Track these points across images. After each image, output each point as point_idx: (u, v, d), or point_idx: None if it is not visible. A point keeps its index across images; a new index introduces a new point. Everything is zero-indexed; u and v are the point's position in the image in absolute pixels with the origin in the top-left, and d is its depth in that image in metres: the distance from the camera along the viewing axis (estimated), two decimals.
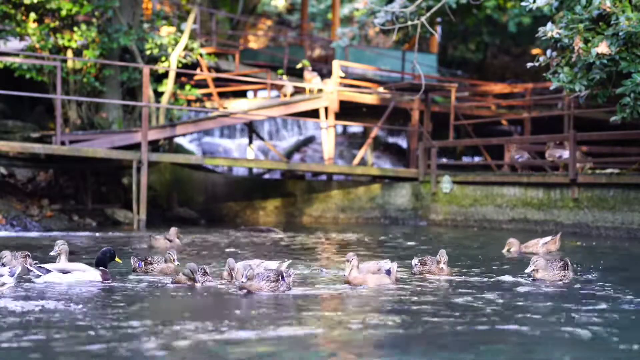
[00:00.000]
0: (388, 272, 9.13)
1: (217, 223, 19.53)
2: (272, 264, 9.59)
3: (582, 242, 14.75)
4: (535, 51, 31.34)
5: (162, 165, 20.89)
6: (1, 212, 16.79)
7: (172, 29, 22.16)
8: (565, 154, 17.10)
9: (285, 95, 21.51)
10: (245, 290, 8.41)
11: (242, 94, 25.93)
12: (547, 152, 17.63)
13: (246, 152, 23.78)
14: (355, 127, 28.08)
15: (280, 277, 8.45)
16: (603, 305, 7.77)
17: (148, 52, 20.39)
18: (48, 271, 8.99)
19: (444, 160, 21.22)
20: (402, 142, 27.58)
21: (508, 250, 12.65)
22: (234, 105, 22.34)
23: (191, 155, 21.52)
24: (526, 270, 9.50)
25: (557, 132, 20.70)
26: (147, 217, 17.46)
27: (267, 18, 40.44)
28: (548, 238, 12.99)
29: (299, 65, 22.82)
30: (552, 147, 17.53)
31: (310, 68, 22.29)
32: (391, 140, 28.52)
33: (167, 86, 20.67)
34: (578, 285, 9.21)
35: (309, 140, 27.17)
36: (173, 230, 13.60)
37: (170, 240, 13.35)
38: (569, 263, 9.68)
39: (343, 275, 9.12)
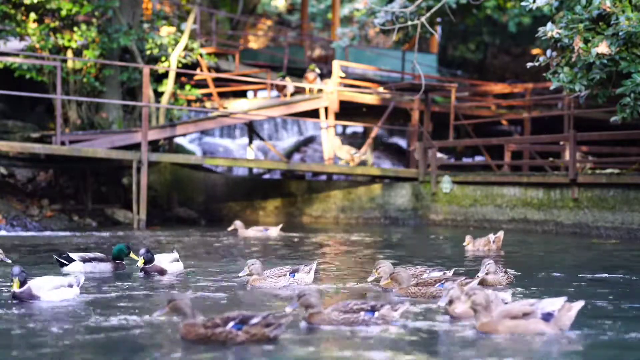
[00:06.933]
0: (548, 315, 6.31)
1: (217, 223, 19.51)
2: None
3: (619, 240, 14.49)
4: (535, 51, 31.33)
5: (162, 165, 20.89)
6: (1, 212, 16.79)
7: (172, 29, 22.15)
8: (445, 157, 19.66)
9: (285, 95, 21.50)
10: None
11: (242, 94, 25.92)
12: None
13: (246, 152, 23.77)
14: (355, 127, 28.07)
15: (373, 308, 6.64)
16: None
17: (148, 52, 20.38)
18: None
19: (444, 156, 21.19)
20: (402, 142, 27.57)
21: (468, 245, 12.44)
22: (234, 105, 22.33)
23: (191, 155, 21.52)
24: (439, 303, 7.00)
25: (557, 132, 20.68)
26: (147, 217, 17.48)
27: (267, 18, 40.41)
28: (492, 236, 12.58)
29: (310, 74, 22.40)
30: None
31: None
32: (391, 140, 28.51)
33: (167, 86, 20.66)
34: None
35: (309, 140, 27.17)
36: (275, 228, 15.80)
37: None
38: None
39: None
